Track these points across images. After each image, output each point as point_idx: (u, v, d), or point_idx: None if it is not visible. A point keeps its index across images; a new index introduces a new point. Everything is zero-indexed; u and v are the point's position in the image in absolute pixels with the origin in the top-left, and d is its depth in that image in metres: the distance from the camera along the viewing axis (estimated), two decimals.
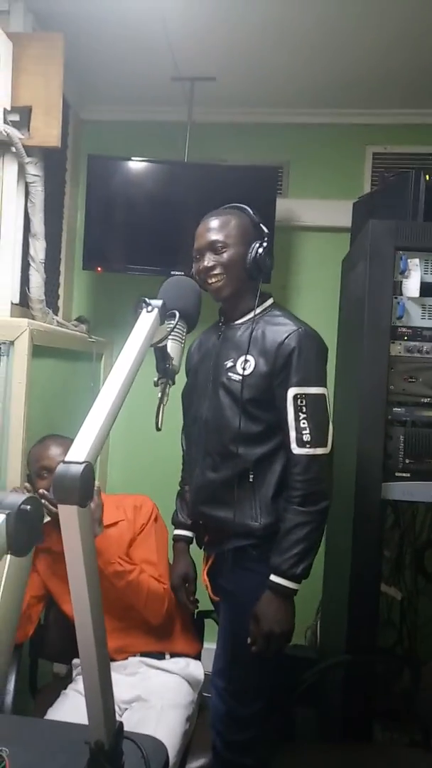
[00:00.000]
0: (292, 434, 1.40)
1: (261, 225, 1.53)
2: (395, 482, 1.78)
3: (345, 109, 2.67)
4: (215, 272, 1.47)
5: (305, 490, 1.39)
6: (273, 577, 1.40)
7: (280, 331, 1.45)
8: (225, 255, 1.47)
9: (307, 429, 1.40)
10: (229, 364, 1.48)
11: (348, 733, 1.80)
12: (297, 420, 1.40)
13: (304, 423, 1.40)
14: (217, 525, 1.50)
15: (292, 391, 1.41)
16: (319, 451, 1.41)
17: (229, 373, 1.47)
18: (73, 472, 0.80)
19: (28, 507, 0.63)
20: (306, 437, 1.40)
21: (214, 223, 1.50)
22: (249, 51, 2.29)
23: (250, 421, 1.45)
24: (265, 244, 1.50)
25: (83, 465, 0.81)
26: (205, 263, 1.47)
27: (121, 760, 0.94)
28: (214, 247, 1.47)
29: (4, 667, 0.64)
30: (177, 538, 1.71)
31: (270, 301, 1.56)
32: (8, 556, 0.63)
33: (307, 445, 1.40)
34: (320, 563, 2.43)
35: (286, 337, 1.43)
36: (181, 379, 1.40)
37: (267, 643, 1.39)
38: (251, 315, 1.51)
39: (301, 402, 1.40)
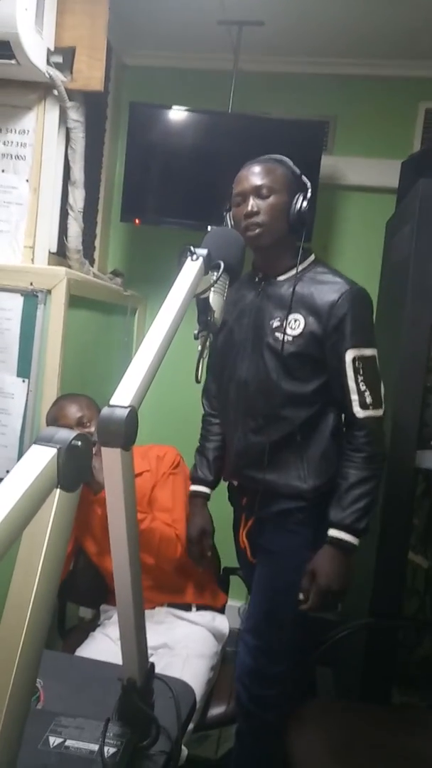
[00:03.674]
0: (354, 397, 1.39)
1: (303, 177, 1.47)
2: (430, 450, 1.76)
3: (398, 61, 2.53)
4: (258, 219, 1.41)
5: (370, 451, 1.39)
6: (335, 532, 1.37)
7: (332, 289, 1.40)
8: (270, 200, 1.41)
9: (367, 391, 1.39)
10: (276, 323, 1.44)
11: (367, 694, 1.82)
12: (357, 383, 1.38)
13: (363, 386, 1.38)
14: (263, 488, 1.48)
15: (350, 354, 1.38)
16: (380, 412, 1.41)
17: (276, 333, 1.43)
18: (118, 415, 0.79)
19: (79, 443, 0.63)
20: (368, 399, 1.39)
21: (258, 168, 1.44)
22: None
23: (297, 383, 1.43)
24: (308, 196, 1.44)
25: (128, 409, 0.80)
26: (249, 207, 1.41)
27: (151, 698, 0.97)
28: (259, 192, 1.41)
29: (52, 604, 0.65)
30: (195, 494, 1.66)
31: (312, 257, 1.51)
32: (57, 493, 0.62)
33: (370, 408, 1.39)
34: None
35: (339, 297, 1.39)
36: None
37: (322, 599, 1.37)
38: (294, 272, 1.46)
39: (359, 364, 1.38)
